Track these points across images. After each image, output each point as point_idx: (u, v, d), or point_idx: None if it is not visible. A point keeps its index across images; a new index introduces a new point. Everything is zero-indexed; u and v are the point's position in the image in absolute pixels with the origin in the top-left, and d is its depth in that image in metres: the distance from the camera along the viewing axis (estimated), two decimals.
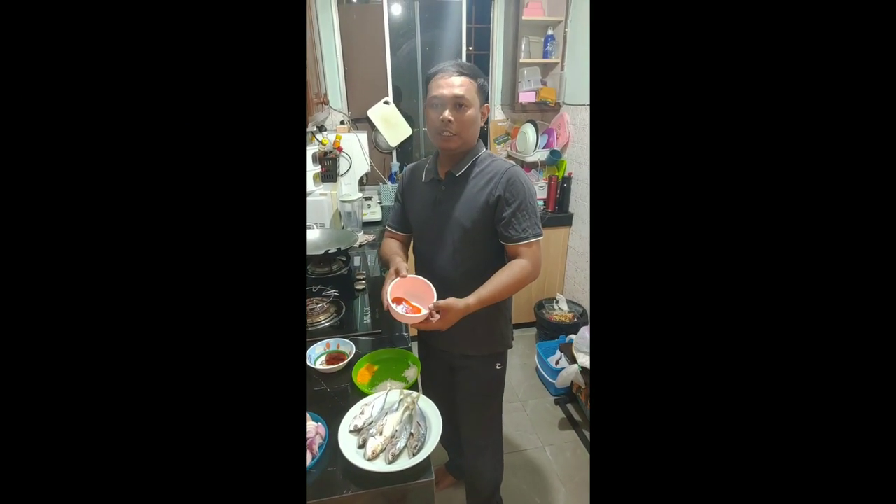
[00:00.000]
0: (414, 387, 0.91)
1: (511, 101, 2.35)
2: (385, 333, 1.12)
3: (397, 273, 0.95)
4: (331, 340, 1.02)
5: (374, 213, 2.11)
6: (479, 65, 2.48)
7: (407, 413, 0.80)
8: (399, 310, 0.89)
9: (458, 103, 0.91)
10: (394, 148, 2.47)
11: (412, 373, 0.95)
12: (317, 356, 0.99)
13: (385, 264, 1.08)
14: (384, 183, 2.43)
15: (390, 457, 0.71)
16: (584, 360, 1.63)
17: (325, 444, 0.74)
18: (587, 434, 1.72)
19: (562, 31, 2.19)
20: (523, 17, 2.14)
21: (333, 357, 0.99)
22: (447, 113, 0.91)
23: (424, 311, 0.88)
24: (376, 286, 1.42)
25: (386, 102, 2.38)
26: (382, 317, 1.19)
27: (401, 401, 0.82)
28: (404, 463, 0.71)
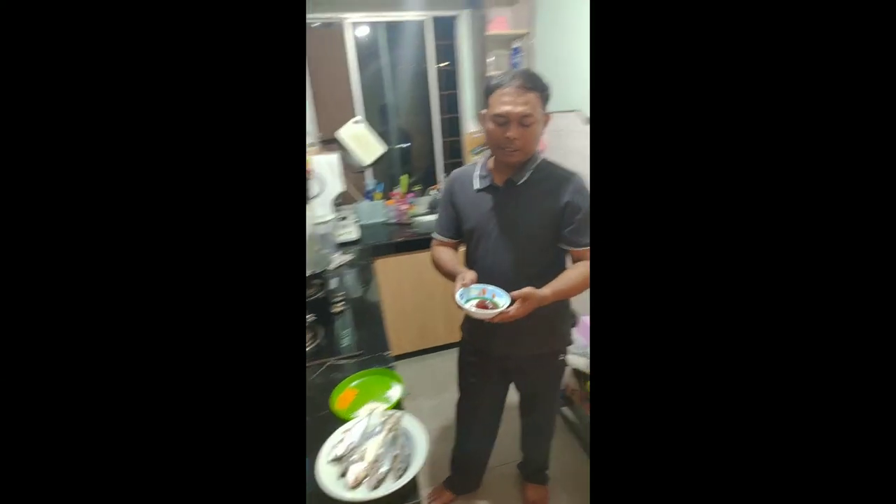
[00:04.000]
0: (398, 406, 0.88)
1: None
2: (367, 354, 1.09)
3: (464, 281, 0.95)
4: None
5: (349, 234, 2.09)
6: (447, 79, 2.52)
7: (391, 434, 0.76)
8: (476, 309, 0.90)
9: (524, 121, 0.89)
10: (367, 167, 2.46)
11: (395, 392, 0.93)
12: None
13: (448, 274, 1.06)
14: (359, 201, 2.41)
15: (374, 482, 0.68)
16: (575, 360, 1.62)
17: None
18: (584, 436, 1.69)
19: (528, 43, 2.24)
20: (487, 33, 2.19)
21: None
22: (514, 131, 0.90)
23: (503, 304, 0.89)
24: (359, 306, 1.40)
25: (356, 122, 2.38)
26: (362, 338, 1.16)
27: (384, 422, 0.79)
28: (389, 487, 0.67)
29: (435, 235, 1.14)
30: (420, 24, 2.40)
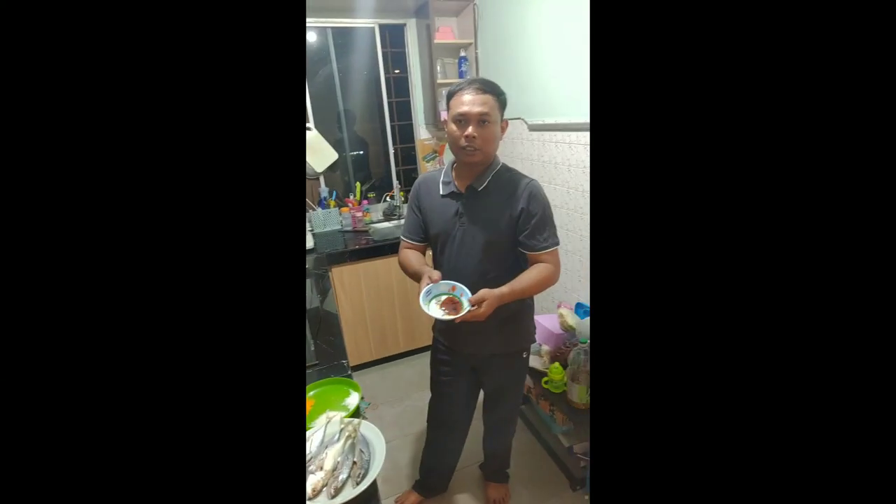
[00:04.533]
0: (356, 414, 0.88)
1: (434, 120, 2.43)
2: (322, 364, 1.07)
3: (430, 278, 0.98)
4: None
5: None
6: (398, 86, 2.54)
7: (349, 442, 0.76)
8: (438, 313, 0.93)
9: (482, 120, 0.95)
10: (320, 174, 2.42)
11: (353, 400, 0.92)
12: None
13: (414, 274, 1.08)
14: (313, 209, 2.36)
15: (332, 491, 0.68)
16: (532, 360, 1.68)
17: None
18: (541, 433, 1.75)
19: (473, 52, 2.31)
20: (435, 41, 2.23)
21: None
22: (471, 129, 0.95)
23: (465, 308, 0.92)
24: (315, 316, 1.37)
25: (308, 129, 2.33)
26: (319, 349, 1.14)
27: (342, 430, 0.79)
28: (348, 493, 0.67)
29: (403, 238, 1.17)
30: (369, 31, 2.40)
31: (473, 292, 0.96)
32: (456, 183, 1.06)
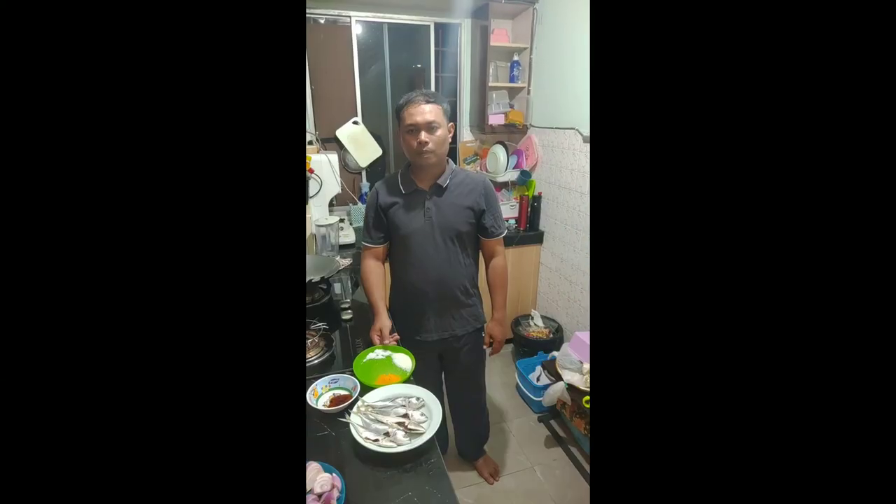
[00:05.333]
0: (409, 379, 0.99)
1: (480, 123, 2.40)
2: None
3: (384, 332, 1.12)
4: (327, 378, 0.95)
5: (346, 236, 2.04)
6: (447, 87, 2.52)
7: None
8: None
9: (431, 126, 1.08)
10: (363, 168, 2.41)
11: (406, 364, 1.04)
12: (315, 398, 0.92)
13: (372, 303, 1.21)
14: (354, 204, 2.36)
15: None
16: (570, 376, 1.66)
17: (342, 498, 0.67)
18: (573, 450, 1.73)
19: (527, 57, 2.28)
20: (491, 44, 2.21)
21: (336, 398, 0.92)
22: (423, 135, 1.08)
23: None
24: (361, 313, 1.36)
25: (355, 122, 2.33)
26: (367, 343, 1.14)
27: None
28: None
29: (365, 243, 1.26)
30: (425, 28, 2.39)
31: (441, 281, 1.19)
32: (417, 184, 1.18)
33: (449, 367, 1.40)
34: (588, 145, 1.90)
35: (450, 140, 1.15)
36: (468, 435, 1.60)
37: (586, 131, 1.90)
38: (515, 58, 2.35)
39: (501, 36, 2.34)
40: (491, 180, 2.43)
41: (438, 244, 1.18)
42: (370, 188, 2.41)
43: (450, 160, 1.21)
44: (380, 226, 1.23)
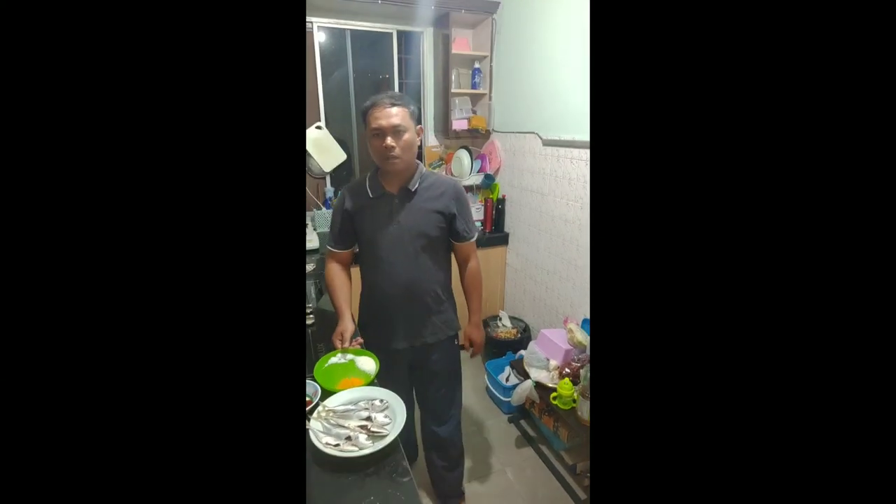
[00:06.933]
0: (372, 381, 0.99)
1: (444, 128, 2.43)
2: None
3: (346, 336, 1.08)
4: None
5: (310, 241, 1.99)
6: (410, 93, 2.54)
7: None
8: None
9: (397, 130, 1.04)
10: (327, 173, 2.38)
11: (370, 366, 1.03)
12: None
13: (337, 308, 1.17)
14: (318, 209, 2.32)
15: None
16: (537, 374, 1.68)
17: None
18: (543, 449, 1.75)
19: (488, 65, 2.34)
20: (453, 52, 2.25)
21: None
22: (389, 140, 1.04)
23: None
24: (324, 320, 1.33)
25: (318, 127, 2.30)
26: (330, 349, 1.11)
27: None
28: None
29: (329, 248, 1.22)
30: (387, 36, 2.40)
31: (410, 287, 1.14)
32: (386, 188, 1.14)
33: (419, 377, 1.31)
34: (548, 149, 1.96)
35: (418, 143, 1.12)
36: (438, 468, 1.43)
37: (545, 135, 1.96)
38: (477, 65, 2.40)
39: (463, 44, 2.38)
40: None
41: (408, 249, 1.13)
42: (335, 193, 2.37)
43: (420, 163, 1.17)
44: (346, 231, 1.19)
